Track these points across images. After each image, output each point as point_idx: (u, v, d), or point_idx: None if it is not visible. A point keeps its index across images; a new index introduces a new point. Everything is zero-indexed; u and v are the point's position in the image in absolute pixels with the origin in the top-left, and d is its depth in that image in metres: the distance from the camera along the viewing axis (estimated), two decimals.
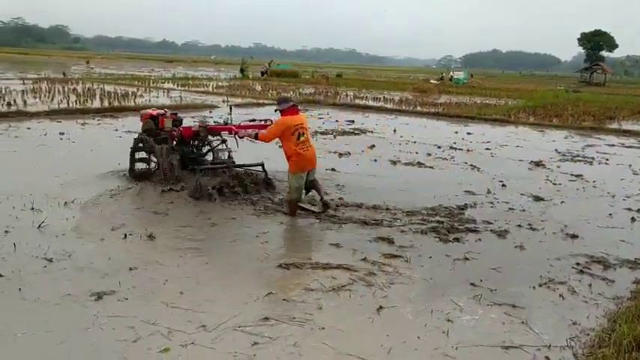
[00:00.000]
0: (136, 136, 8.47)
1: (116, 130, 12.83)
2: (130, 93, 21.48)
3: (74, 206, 6.66)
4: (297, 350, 3.70)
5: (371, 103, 24.34)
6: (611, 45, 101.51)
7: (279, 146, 6.92)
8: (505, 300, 4.66)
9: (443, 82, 46.00)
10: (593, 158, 12.46)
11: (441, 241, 6.11)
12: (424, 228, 6.49)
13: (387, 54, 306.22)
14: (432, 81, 43.04)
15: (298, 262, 5.25)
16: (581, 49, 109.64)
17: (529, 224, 6.92)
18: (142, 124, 8.40)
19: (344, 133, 14.35)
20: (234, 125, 7.64)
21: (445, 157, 11.63)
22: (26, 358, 3.51)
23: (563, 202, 8.24)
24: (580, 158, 12.38)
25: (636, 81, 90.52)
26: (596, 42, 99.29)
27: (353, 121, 16.98)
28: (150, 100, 19.52)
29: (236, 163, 8.10)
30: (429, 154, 11.76)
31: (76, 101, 17.55)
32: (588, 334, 4.10)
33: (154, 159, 8.15)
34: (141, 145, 8.24)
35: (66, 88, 21.68)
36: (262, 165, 7.93)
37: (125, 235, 5.71)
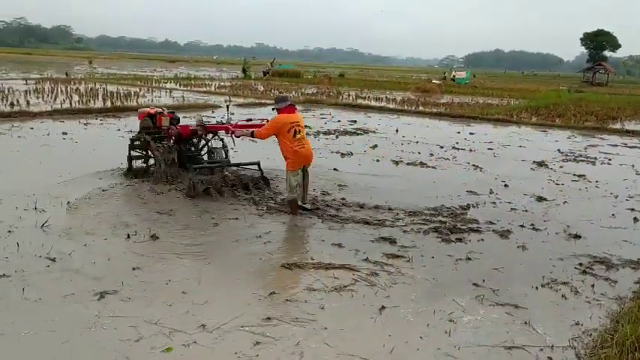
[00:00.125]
0: (133, 134, 8.52)
1: (119, 130, 12.84)
2: (133, 93, 21.51)
3: (77, 206, 6.67)
4: (300, 350, 3.70)
5: (373, 103, 24.33)
6: (614, 45, 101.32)
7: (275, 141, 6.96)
8: (507, 300, 4.66)
9: (445, 81, 45.95)
10: (595, 158, 12.44)
11: (444, 242, 6.11)
12: (426, 228, 6.49)
13: (389, 54, 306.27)
14: (434, 81, 42.96)
15: (301, 262, 5.26)
16: (583, 49, 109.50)
17: (532, 224, 6.91)
18: (139, 122, 8.46)
19: (346, 133, 14.35)
20: (231, 124, 7.67)
21: (447, 157, 11.63)
22: (30, 358, 3.52)
23: (565, 202, 8.23)
24: (583, 158, 12.37)
25: (639, 81, 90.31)
26: (598, 42, 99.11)
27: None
28: (152, 100, 19.54)
29: (232, 162, 8.15)
30: (432, 154, 11.76)
31: (78, 101, 17.58)
32: (591, 335, 4.09)
33: (152, 157, 8.21)
34: (138, 143, 8.30)
35: (69, 88, 21.71)
36: (258, 164, 7.97)
37: (128, 235, 5.72)
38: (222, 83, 32.00)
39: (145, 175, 8.17)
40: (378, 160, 10.83)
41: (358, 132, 14.69)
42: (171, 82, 30.59)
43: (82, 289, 4.43)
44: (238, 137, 7.47)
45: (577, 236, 6.55)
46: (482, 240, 6.26)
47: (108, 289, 4.44)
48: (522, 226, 6.85)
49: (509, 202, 7.96)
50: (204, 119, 8.65)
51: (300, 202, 6.90)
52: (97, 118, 14.73)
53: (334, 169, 9.57)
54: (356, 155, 11.22)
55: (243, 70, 42.12)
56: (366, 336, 3.97)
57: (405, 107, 22.58)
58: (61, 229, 5.81)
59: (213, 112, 16.72)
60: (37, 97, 18.35)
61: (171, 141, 8.15)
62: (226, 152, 8.37)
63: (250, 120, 8.04)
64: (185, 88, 26.96)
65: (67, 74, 31.03)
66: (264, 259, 5.41)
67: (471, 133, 15.65)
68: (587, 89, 46.61)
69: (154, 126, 8.25)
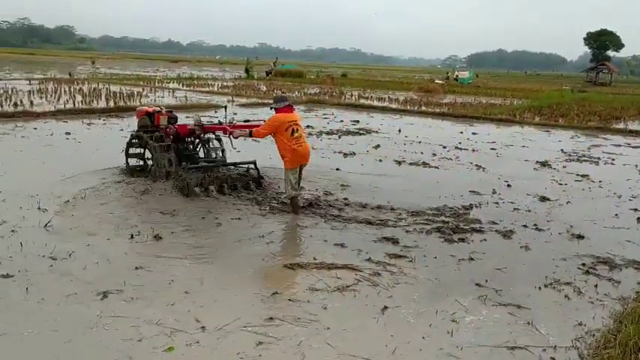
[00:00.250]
0: (132, 132, 8.59)
1: (122, 129, 12.85)
2: (136, 93, 21.54)
3: (80, 206, 6.68)
4: (302, 350, 3.70)
5: (376, 103, 24.32)
6: (617, 45, 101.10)
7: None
8: (510, 300, 4.65)
9: (448, 81, 45.90)
10: (599, 158, 12.42)
11: (446, 242, 6.10)
12: (429, 228, 6.49)
13: (392, 54, 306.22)
14: (437, 81, 42.92)
15: (303, 262, 5.26)
16: (587, 49, 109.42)
17: (535, 224, 6.90)
18: (137, 120, 8.51)
19: (349, 133, 14.35)
20: (229, 125, 7.71)
21: (450, 157, 11.62)
22: (33, 357, 3.53)
23: (569, 202, 8.21)
24: (586, 158, 12.34)
25: None
26: (602, 42, 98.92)
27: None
28: (155, 100, 19.57)
29: (228, 161, 8.21)
30: (434, 154, 11.75)
31: (82, 101, 17.61)
32: (594, 335, 4.09)
33: (149, 155, 8.26)
34: (136, 141, 8.35)
35: (72, 89, 21.74)
36: (254, 163, 8.02)
37: (132, 236, 5.73)
38: (224, 83, 32.02)
39: (144, 174, 8.22)
40: (380, 160, 10.82)
41: (361, 132, 14.69)
42: (173, 82, 30.64)
43: (84, 289, 4.44)
44: (236, 138, 7.50)
45: (580, 236, 6.53)
46: (485, 240, 6.26)
47: (111, 289, 4.45)
48: (525, 226, 6.84)
49: (512, 202, 7.95)
50: (203, 119, 8.65)
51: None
52: (100, 118, 14.76)
53: (337, 169, 9.58)
54: (358, 155, 11.22)
55: (246, 70, 42.16)
56: (368, 336, 3.97)
57: (408, 107, 22.56)
58: (64, 229, 5.83)
59: (215, 112, 16.73)
60: (41, 98, 18.39)
61: (169, 140, 8.18)
62: (222, 152, 8.42)
63: (248, 121, 8.10)
64: (188, 88, 26.99)
65: (70, 74, 31.10)
66: (267, 260, 5.42)
67: (473, 133, 15.63)
68: (590, 89, 46.49)
69: (152, 124, 8.29)
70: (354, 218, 6.71)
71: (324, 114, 18.80)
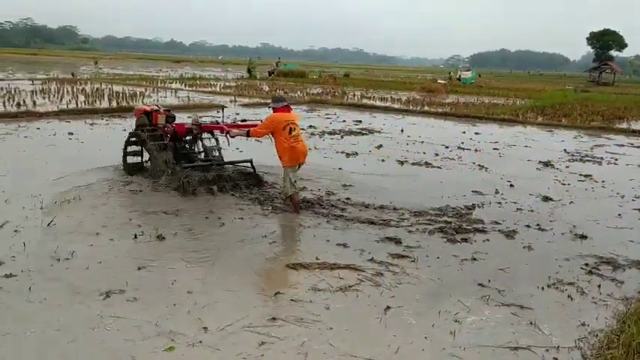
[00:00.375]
0: (130, 131, 8.65)
1: (124, 130, 12.81)
2: (138, 93, 21.56)
3: (83, 206, 6.69)
4: (305, 350, 3.70)
5: (378, 103, 24.30)
6: (621, 44, 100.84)
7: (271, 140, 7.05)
8: (513, 301, 4.65)
9: (451, 81, 45.87)
10: (602, 158, 12.39)
11: (449, 242, 6.10)
12: (432, 228, 6.48)
13: (394, 54, 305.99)
14: (439, 81, 42.88)
15: (306, 262, 5.26)
16: (590, 49, 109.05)
17: (537, 224, 6.89)
18: (135, 119, 8.57)
19: (351, 133, 14.35)
20: (226, 124, 7.77)
21: (453, 157, 11.61)
22: (35, 357, 3.53)
23: (572, 202, 8.20)
24: (589, 158, 12.32)
25: None
26: (605, 41, 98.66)
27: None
28: (158, 100, 19.58)
29: (224, 160, 8.26)
30: (437, 154, 11.74)
31: (84, 101, 17.64)
32: (597, 335, 4.08)
33: (147, 154, 8.32)
34: (134, 139, 8.41)
35: (75, 89, 21.79)
36: (251, 161, 8.08)
37: (135, 236, 5.73)
38: (227, 83, 32.04)
39: (143, 173, 8.27)
40: (383, 160, 10.82)
41: (363, 132, 14.68)
42: (176, 83, 30.65)
43: (87, 289, 4.45)
44: (233, 137, 7.56)
45: (583, 236, 6.52)
46: (488, 240, 6.25)
47: (113, 289, 4.45)
48: (528, 226, 6.83)
49: (514, 202, 7.94)
50: (205, 119, 8.69)
51: (285, 201, 7.04)
52: (102, 119, 14.78)
53: (339, 169, 9.58)
54: (361, 155, 11.21)
55: (249, 70, 42.17)
56: (371, 336, 3.97)
57: (411, 107, 22.55)
58: (67, 229, 5.83)
59: (218, 112, 16.71)
60: (44, 98, 18.43)
61: (167, 138, 8.23)
62: (219, 151, 8.46)
63: (245, 120, 8.15)
64: (190, 89, 27.01)
65: (73, 74, 31.18)
66: (270, 259, 5.43)
67: (476, 133, 15.61)
68: (593, 89, 46.39)
69: (150, 123, 8.34)
70: (356, 218, 6.71)
71: (326, 114, 18.80)
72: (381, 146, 12.33)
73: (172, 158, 7.99)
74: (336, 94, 27.49)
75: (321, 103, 22.88)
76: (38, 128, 12.49)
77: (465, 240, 6.18)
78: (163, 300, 4.34)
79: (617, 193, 8.89)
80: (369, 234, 6.20)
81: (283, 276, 5.04)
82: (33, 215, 6.21)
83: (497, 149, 12.94)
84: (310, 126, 15.05)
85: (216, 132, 8.22)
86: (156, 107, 8.69)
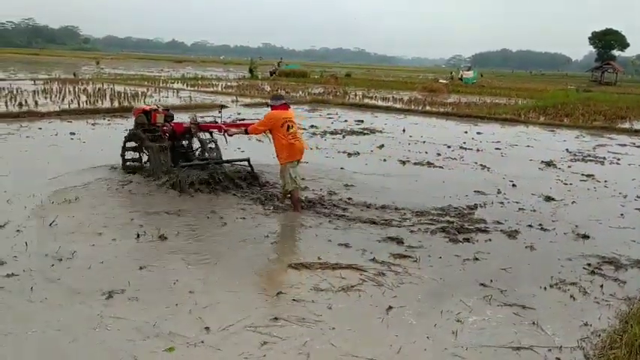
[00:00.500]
0: (129, 130, 8.72)
1: (126, 130, 12.74)
2: (140, 93, 21.58)
3: (84, 206, 6.70)
4: (307, 350, 3.70)
5: (380, 102, 24.29)
6: (623, 44, 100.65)
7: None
8: (515, 301, 4.64)
9: (452, 81, 45.84)
10: (604, 158, 12.37)
11: (451, 242, 6.09)
12: (434, 228, 6.47)
13: (395, 54, 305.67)
14: (441, 80, 42.88)
15: (308, 262, 5.25)
16: (592, 48, 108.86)
17: (540, 224, 6.88)
18: (134, 118, 8.64)
19: (353, 132, 14.34)
20: (224, 124, 7.85)
21: (455, 156, 11.59)
22: (38, 357, 3.53)
23: (574, 202, 8.19)
24: (591, 158, 12.30)
25: None
26: (607, 41, 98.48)
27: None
28: (159, 100, 19.58)
29: (222, 159, 8.29)
30: (439, 154, 11.73)
31: (86, 101, 17.65)
32: (599, 335, 4.07)
33: (146, 152, 8.38)
34: (133, 138, 8.48)
35: (76, 89, 21.80)
36: (248, 160, 8.14)
37: (138, 235, 5.73)
38: (228, 83, 32.03)
39: (142, 172, 8.31)
40: (385, 160, 10.81)
41: (365, 132, 14.67)
42: (178, 83, 30.67)
43: (89, 289, 4.45)
44: (231, 136, 7.65)
45: (585, 236, 6.51)
46: (490, 240, 6.24)
47: (115, 289, 4.45)
48: (530, 226, 6.82)
49: (517, 202, 7.92)
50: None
51: (284, 196, 7.11)
52: (104, 118, 14.78)
53: (341, 169, 9.57)
54: (363, 155, 11.21)
55: (250, 70, 42.16)
56: (373, 336, 3.96)
57: (412, 107, 22.53)
58: (69, 229, 5.84)
59: (220, 111, 16.71)
60: (45, 98, 18.44)
61: (166, 137, 8.27)
62: (217, 150, 8.48)
63: (243, 120, 8.25)
64: (192, 89, 27.02)
65: (74, 74, 31.19)
66: (272, 259, 5.43)
67: (478, 133, 15.60)
68: (595, 89, 46.35)
69: (148, 122, 8.38)
70: (358, 218, 6.71)
71: (328, 114, 18.80)
72: (382, 146, 12.32)
73: (170, 157, 8.04)
74: (338, 94, 27.49)
75: (322, 103, 22.87)
76: (40, 128, 12.51)
77: (467, 240, 6.17)
78: (165, 300, 4.33)
79: (620, 193, 8.88)
80: (371, 234, 6.19)
81: (285, 276, 5.04)
82: (35, 215, 6.21)
83: (500, 149, 12.92)
84: (312, 126, 15.05)
85: (215, 131, 8.24)
86: (155, 106, 8.76)
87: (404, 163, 10.66)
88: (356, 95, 27.17)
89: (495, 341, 3.96)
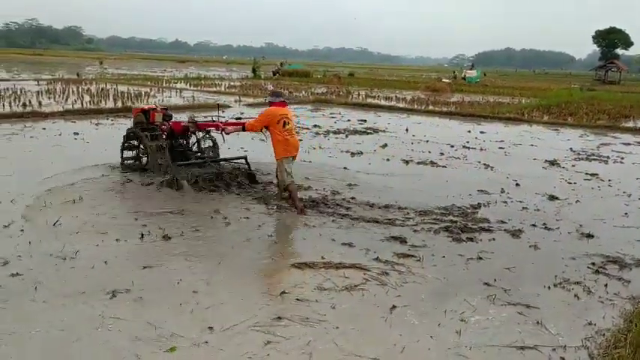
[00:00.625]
0: (128, 129, 8.79)
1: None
2: (143, 93, 21.62)
3: (88, 206, 6.71)
4: (310, 350, 3.69)
5: (383, 102, 24.28)
6: (627, 43, 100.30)
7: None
8: (519, 300, 4.63)
9: (455, 80, 45.78)
10: (608, 157, 12.34)
11: (454, 241, 6.08)
12: (437, 227, 6.46)
13: (398, 53, 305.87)
14: (444, 80, 42.83)
15: (311, 261, 5.25)
16: (595, 47, 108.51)
17: (544, 224, 6.86)
18: (133, 117, 8.73)
19: (356, 132, 14.34)
20: (221, 122, 7.95)
21: (458, 156, 11.58)
22: (39, 357, 3.54)
23: (578, 201, 8.16)
24: (595, 157, 12.27)
25: None
26: (611, 39, 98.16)
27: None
28: (163, 100, 19.62)
29: (219, 158, 8.40)
30: (442, 154, 11.71)
31: (90, 101, 17.68)
32: (604, 335, 4.06)
33: (145, 151, 8.46)
34: (132, 137, 8.57)
35: (80, 89, 21.85)
36: (245, 158, 8.23)
37: (142, 235, 5.73)
38: (232, 83, 32.08)
39: (141, 171, 8.38)
40: (388, 160, 10.80)
41: (368, 131, 14.67)
42: (181, 82, 30.73)
43: (93, 289, 4.45)
44: (229, 134, 7.76)
45: (590, 235, 6.49)
46: (494, 239, 6.23)
47: (119, 289, 4.45)
48: (534, 225, 6.80)
49: (520, 201, 7.91)
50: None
51: (282, 195, 7.20)
52: (108, 118, 14.81)
53: (344, 168, 9.57)
54: (366, 154, 11.20)
55: (253, 70, 42.22)
56: (376, 336, 3.96)
57: (415, 106, 22.51)
58: (73, 229, 5.85)
59: (223, 111, 16.74)
60: (49, 98, 18.48)
61: (164, 136, 8.34)
62: (215, 149, 8.60)
63: (240, 118, 8.34)
64: (195, 88, 27.06)
65: (78, 75, 31.27)
66: (275, 259, 5.43)
67: (481, 132, 15.57)
68: (599, 87, 46.19)
69: (147, 122, 8.45)
70: (361, 217, 6.70)
71: (331, 113, 18.80)
72: (385, 145, 12.31)
73: (169, 156, 8.11)
74: (341, 93, 27.49)
75: (325, 102, 22.87)
76: (44, 128, 12.54)
77: (471, 239, 6.16)
78: (169, 300, 4.34)
79: (624, 192, 8.85)
80: (375, 233, 6.19)
81: (289, 275, 5.03)
82: (39, 215, 6.23)
83: (503, 148, 12.90)
84: (315, 125, 15.06)
85: (213, 130, 8.34)
86: (153, 106, 8.88)
87: (407, 162, 10.65)
88: (359, 95, 27.16)
89: (499, 341, 3.95)
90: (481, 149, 12.58)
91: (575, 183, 9.41)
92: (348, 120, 17.04)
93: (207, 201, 7.16)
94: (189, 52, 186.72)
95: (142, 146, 8.50)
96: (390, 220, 6.67)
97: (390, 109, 21.66)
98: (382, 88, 33.32)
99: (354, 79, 42.64)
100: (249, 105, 20.01)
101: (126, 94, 20.22)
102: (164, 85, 28.23)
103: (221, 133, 7.85)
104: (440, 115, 20.47)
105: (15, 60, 58.46)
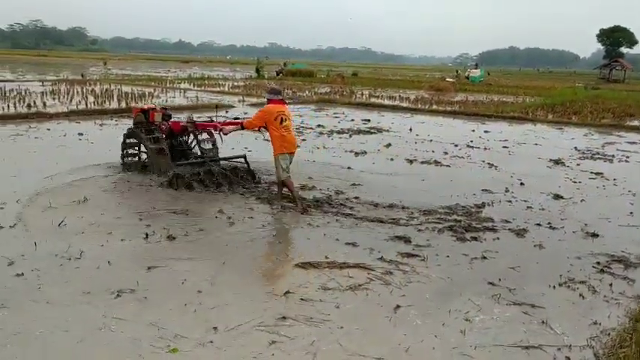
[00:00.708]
0: (128, 128, 8.85)
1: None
2: (147, 93, 21.66)
3: (93, 206, 6.72)
4: (314, 350, 3.69)
5: (387, 102, 24.26)
6: (631, 41, 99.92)
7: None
8: (524, 299, 4.62)
9: (459, 79, 45.70)
10: (613, 156, 12.30)
11: (459, 240, 6.07)
12: (441, 227, 6.46)
13: (402, 52, 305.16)
14: (447, 79, 42.77)
15: (315, 261, 5.25)
16: (600, 46, 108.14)
17: (548, 223, 6.84)
18: (133, 117, 8.81)
19: (360, 132, 14.33)
20: (219, 122, 8.06)
21: (462, 155, 11.56)
22: (43, 357, 3.55)
23: (583, 200, 8.14)
24: (600, 156, 12.23)
25: None
26: (615, 38, 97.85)
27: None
28: (167, 101, 19.66)
29: (218, 157, 8.43)
30: (446, 153, 11.69)
31: (94, 102, 17.74)
32: (609, 334, 4.05)
33: (145, 150, 8.53)
34: (132, 137, 8.64)
35: (84, 90, 21.91)
36: (244, 157, 8.27)
37: (146, 235, 5.74)
38: (235, 83, 32.11)
39: (142, 170, 8.43)
40: (392, 159, 10.79)
41: (372, 131, 14.66)
42: (185, 83, 30.77)
43: (97, 289, 4.46)
44: (226, 134, 7.84)
45: (595, 235, 6.47)
46: (498, 239, 6.21)
47: (124, 289, 4.46)
48: (539, 224, 6.79)
49: (525, 201, 7.89)
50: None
51: (281, 194, 7.30)
52: (112, 119, 14.84)
53: (348, 168, 9.57)
54: (370, 154, 11.19)
55: (257, 70, 42.27)
56: (381, 335, 3.95)
57: (419, 106, 22.49)
58: (78, 229, 5.86)
59: (227, 111, 16.77)
60: (54, 99, 18.55)
61: (163, 136, 8.41)
62: (215, 148, 8.61)
63: (237, 118, 8.44)
64: (199, 89, 27.10)
65: (82, 75, 31.38)
66: (279, 259, 5.43)
67: (485, 132, 15.54)
68: (603, 86, 46.01)
69: (146, 121, 8.52)
70: (365, 217, 6.70)
71: (334, 113, 18.79)
72: (389, 145, 12.30)
73: (169, 155, 8.18)
74: (344, 93, 27.48)
75: (329, 102, 22.86)
76: (48, 129, 12.58)
77: (475, 239, 6.15)
78: (173, 300, 4.34)
79: (629, 191, 8.82)
80: (379, 233, 6.19)
81: (293, 275, 5.03)
82: (43, 215, 6.25)
83: (507, 147, 12.87)
84: (319, 125, 15.06)
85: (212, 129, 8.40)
86: (152, 105, 8.95)
87: (411, 162, 10.64)
88: (362, 94, 27.14)
89: (504, 340, 3.94)
90: (485, 148, 12.55)
91: (579, 182, 9.38)
92: (352, 120, 17.03)
93: (212, 201, 7.17)
94: (193, 53, 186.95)
95: (142, 146, 8.55)
96: (394, 219, 6.66)
97: (394, 108, 21.64)
98: (386, 88, 33.29)
99: (357, 79, 42.61)
100: (253, 105, 20.00)
101: (130, 95, 20.28)
102: (168, 85, 28.27)
103: (219, 133, 7.92)
104: (444, 114, 20.45)
105: (19, 61, 58.67)
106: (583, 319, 4.31)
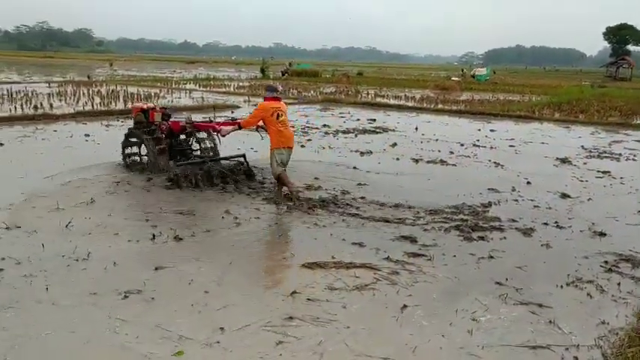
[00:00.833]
0: (128, 128, 8.95)
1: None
2: (153, 94, 21.72)
3: (100, 207, 6.74)
4: (321, 350, 3.69)
5: (392, 101, 24.23)
6: (638, 39, 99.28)
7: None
8: (531, 299, 4.60)
9: (464, 78, 45.61)
10: (620, 154, 12.23)
11: (465, 240, 6.05)
12: (447, 226, 6.44)
13: (407, 52, 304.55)
14: (453, 78, 42.69)
15: (322, 261, 5.25)
16: (606, 44, 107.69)
17: (555, 222, 6.82)
18: (133, 117, 8.92)
19: (365, 131, 14.32)
20: (217, 123, 8.17)
21: (468, 154, 11.53)
22: (48, 358, 3.56)
23: (590, 199, 8.10)
24: (607, 154, 12.17)
25: None
26: (622, 36, 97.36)
27: None
28: (172, 101, 19.71)
29: (219, 157, 8.52)
30: (452, 152, 11.67)
31: (100, 103, 17.80)
32: (617, 334, 4.03)
33: (145, 150, 8.63)
34: (132, 137, 8.74)
35: (90, 91, 22.00)
36: (244, 156, 8.37)
37: (153, 236, 5.76)
38: (240, 83, 32.14)
39: (144, 170, 8.49)
40: (397, 159, 10.78)
41: (377, 130, 14.64)
42: (190, 83, 30.85)
43: (105, 290, 4.48)
44: (224, 135, 7.95)
45: (602, 234, 6.44)
46: (505, 238, 6.19)
47: (131, 290, 4.48)
48: (546, 223, 6.76)
49: (532, 200, 7.86)
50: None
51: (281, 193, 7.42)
52: (118, 120, 14.89)
53: (354, 168, 9.56)
54: (375, 154, 11.18)
55: (262, 70, 42.31)
56: (388, 335, 3.95)
57: (425, 105, 22.45)
58: (85, 230, 5.88)
59: (232, 112, 16.78)
60: (60, 100, 18.62)
61: (163, 135, 8.49)
62: (214, 147, 8.71)
63: (235, 119, 8.52)
64: (204, 89, 27.16)
65: (88, 77, 31.50)
66: (286, 259, 5.43)
67: (491, 130, 15.50)
68: (610, 84, 45.82)
69: (146, 121, 8.61)
70: (371, 217, 6.69)
71: (340, 113, 18.77)
72: (395, 145, 12.29)
73: (168, 154, 8.27)
74: (350, 92, 27.47)
75: (334, 102, 22.86)
76: (55, 130, 12.63)
77: (482, 238, 6.13)
78: (180, 300, 4.35)
79: (636, 190, 8.78)
80: (385, 233, 6.18)
81: (299, 275, 5.03)
82: (51, 216, 6.27)
83: (514, 146, 12.83)
84: (324, 125, 15.05)
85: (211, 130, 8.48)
86: (152, 105, 9.06)
87: (417, 161, 10.62)
88: (368, 94, 27.12)
89: (511, 340, 3.93)
90: (491, 147, 12.52)
91: (586, 181, 9.34)
92: (358, 119, 17.02)
93: (218, 202, 7.18)
94: (198, 53, 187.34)
95: (142, 145, 8.64)
96: (400, 219, 6.65)
97: (400, 108, 21.62)
98: (391, 87, 33.26)
99: (362, 79, 42.59)
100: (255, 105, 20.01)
101: (136, 96, 20.34)
102: (173, 86, 28.34)
103: (217, 134, 8.04)
104: (449, 113, 20.40)
105: (26, 63, 58.96)
106: (591, 319, 4.29)
